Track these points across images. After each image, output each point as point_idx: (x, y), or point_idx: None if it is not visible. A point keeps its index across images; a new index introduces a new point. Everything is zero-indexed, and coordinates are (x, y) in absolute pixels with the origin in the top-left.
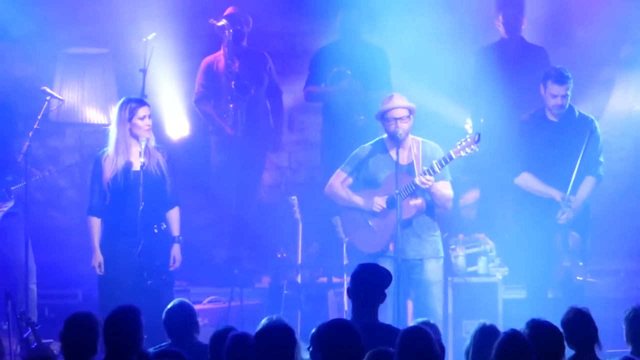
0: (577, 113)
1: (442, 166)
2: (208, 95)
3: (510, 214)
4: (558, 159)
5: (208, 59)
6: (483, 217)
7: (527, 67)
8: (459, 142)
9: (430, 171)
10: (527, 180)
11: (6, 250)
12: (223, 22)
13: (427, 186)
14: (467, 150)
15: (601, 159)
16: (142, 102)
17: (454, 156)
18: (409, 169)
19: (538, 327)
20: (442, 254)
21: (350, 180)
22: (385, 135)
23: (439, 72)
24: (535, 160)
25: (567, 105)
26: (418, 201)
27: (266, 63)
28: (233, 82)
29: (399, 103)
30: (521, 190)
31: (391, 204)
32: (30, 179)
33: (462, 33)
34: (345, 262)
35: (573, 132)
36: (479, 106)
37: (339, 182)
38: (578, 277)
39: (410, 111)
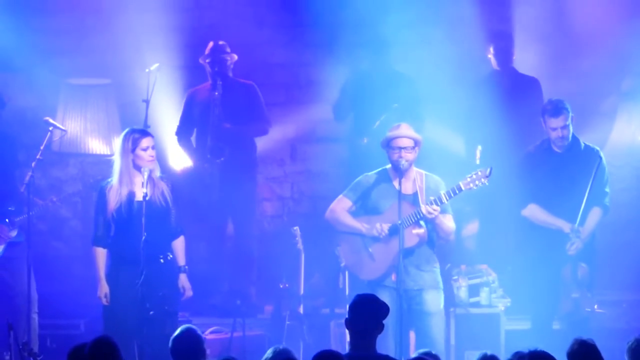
0: (582, 144)
1: (450, 197)
2: (188, 128)
3: (511, 244)
4: (563, 190)
5: (191, 90)
6: (483, 247)
7: (520, 98)
8: (469, 175)
9: (438, 201)
10: (534, 211)
11: (9, 280)
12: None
13: (433, 216)
14: (477, 183)
15: (607, 189)
16: (146, 133)
17: (463, 188)
18: (414, 200)
19: (535, 357)
20: (441, 285)
21: (352, 207)
22: (389, 166)
23: (444, 103)
24: (541, 192)
25: (570, 136)
26: (421, 230)
27: (253, 93)
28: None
29: (405, 133)
30: (526, 222)
31: (392, 232)
32: (33, 208)
33: (466, 63)
34: (347, 292)
35: (578, 163)
36: (475, 138)
37: (341, 207)
38: (587, 309)
39: (416, 142)
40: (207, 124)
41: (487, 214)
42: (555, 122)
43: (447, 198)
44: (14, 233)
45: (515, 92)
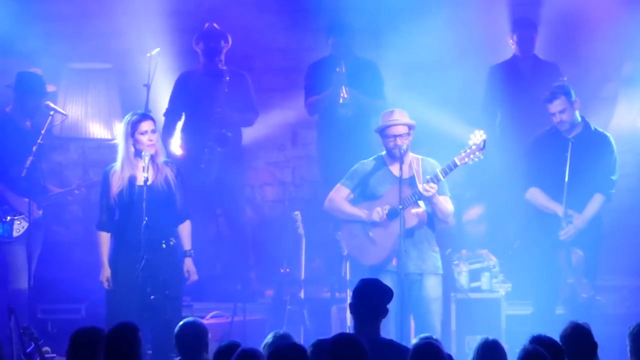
0: (592, 129)
1: (447, 173)
2: (179, 111)
3: (512, 229)
4: (570, 174)
5: (183, 73)
6: (492, 232)
7: (540, 84)
8: (463, 150)
9: (434, 179)
10: (534, 194)
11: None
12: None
13: (430, 194)
14: (472, 157)
15: (613, 177)
16: (145, 117)
17: (458, 163)
18: (411, 183)
19: (540, 342)
20: (441, 271)
21: (350, 195)
22: (384, 152)
23: (444, 89)
24: (545, 176)
25: (574, 119)
26: (420, 210)
27: (247, 83)
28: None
29: (400, 120)
30: (528, 206)
31: (392, 215)
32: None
33: (467, 49)
34: (348, 277)
35: (587, 149)
36: (491, 122)
37: (339, 196)
38: (583, 295)
39: (410, 127)
40: (202, 109)
41: (498, 198)
42: (552, 107)
43: (444, 175)
44: (39, 212)
45: (536, 77)
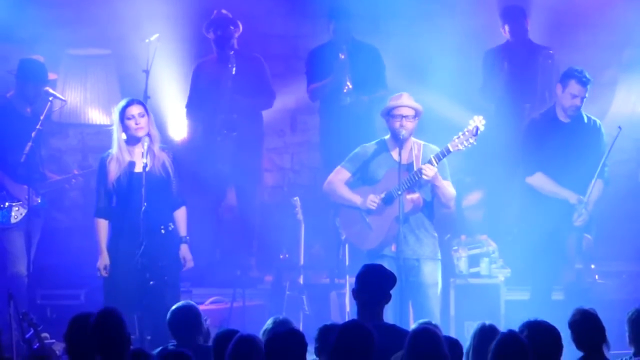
0: (585, 116)
1: (440, 159)
2: (199, 101)
3: (512, 214)
4: (568, 160)
5: (198, 62)
6: (490, 217)
7: (534, 68)
8: (456, 136)
9: (429, 164)
10: (540, 180)
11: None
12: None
13: (429, 177)
14: (465, 143)
15: (607, 162)
16: (132, 102)
17: (451, 149)
18: (409, 168)
19: (535, 327)
20: (439, 256)
21: (350, 178)
22: (387, 136)
23: (443, 75)
24: (547, 161)
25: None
26: (415, 195)
27: (261, 66)
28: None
29: (407, 102)
30: (529, 191)
31: (387, 200)
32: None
33: (466, 36)
34: (347, 263)
35: (583, 135)
36: (487, 107)
37: (339, 179)
38: (588, 279)
39: (417, 113)
40: (217, 97)
41: (494, 183)
42: (580, 91)
43: (437, 160)
44: (38, 200)
45: (530, 61)
